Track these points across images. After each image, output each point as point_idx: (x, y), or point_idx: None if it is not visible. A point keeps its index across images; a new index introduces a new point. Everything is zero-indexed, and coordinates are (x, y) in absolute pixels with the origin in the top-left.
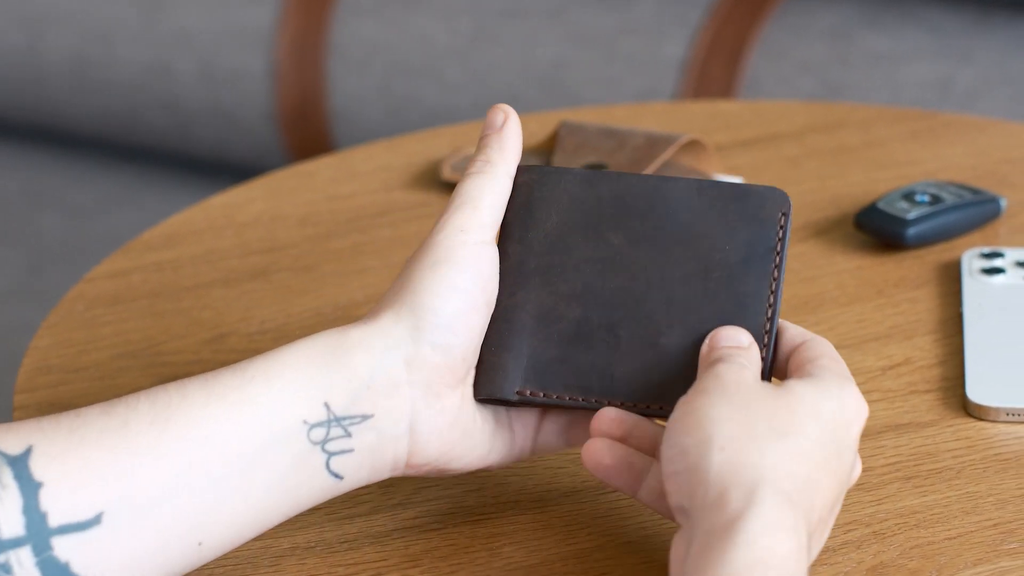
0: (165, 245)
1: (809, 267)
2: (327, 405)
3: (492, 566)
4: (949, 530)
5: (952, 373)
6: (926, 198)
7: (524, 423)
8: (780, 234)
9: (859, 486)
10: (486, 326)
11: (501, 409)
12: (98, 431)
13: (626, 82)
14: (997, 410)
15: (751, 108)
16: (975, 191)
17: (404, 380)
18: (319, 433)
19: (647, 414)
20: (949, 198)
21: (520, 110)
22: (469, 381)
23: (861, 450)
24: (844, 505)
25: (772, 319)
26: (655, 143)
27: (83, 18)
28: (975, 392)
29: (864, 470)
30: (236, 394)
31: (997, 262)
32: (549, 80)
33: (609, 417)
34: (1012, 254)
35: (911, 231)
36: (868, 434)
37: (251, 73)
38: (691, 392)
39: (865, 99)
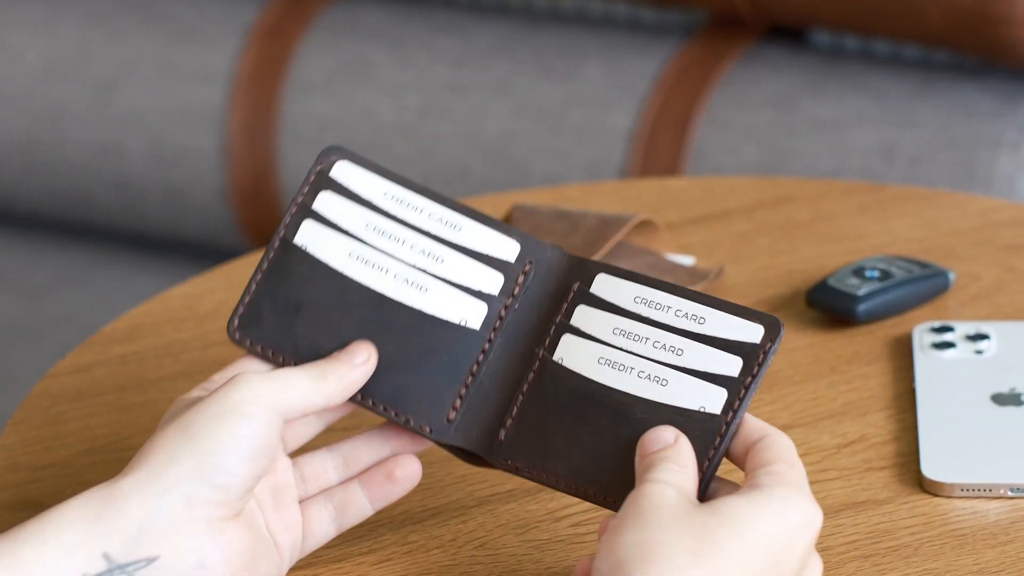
0: (127, 338)
1: None
2: (106, 555)
3: None
4: None
5: (907, 449)
6: (876, 273)
7: (287, 525)
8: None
9: None
10: (268, 468)
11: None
12: None
13: (575, 153)
14: (952, 486)
15: (700, 184)
16: (924, 265)
17: (186, 517)
18: None
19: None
20: (898, 273)
21: (470, 183)
22: (248, 511)
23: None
24: None
25: (725, 436)
26: (607, 224)
27: (33, 99)
28: (930, 468)
29: (823, 549)
30: (8, 559)
31: (947, 336)
32: (498, 153)
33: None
34: (962, 327)
35: (862, 307)
36: (826, 512)
37: (202, 151)
38: (618, 514)
39: (811, 166)
